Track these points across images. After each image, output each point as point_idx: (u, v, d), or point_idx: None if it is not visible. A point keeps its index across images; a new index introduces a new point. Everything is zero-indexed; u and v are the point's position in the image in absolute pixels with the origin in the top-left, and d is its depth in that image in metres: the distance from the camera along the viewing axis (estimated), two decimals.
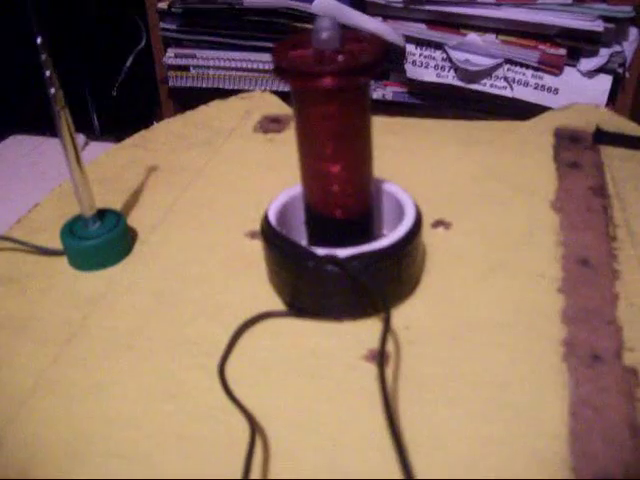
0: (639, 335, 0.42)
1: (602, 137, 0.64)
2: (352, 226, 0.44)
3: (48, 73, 0.45)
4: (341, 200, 0.42)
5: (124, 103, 1.66)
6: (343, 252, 0.41)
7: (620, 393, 0.38)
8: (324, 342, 0.43)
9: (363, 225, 0.44)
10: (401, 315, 0.44)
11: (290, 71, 0.38)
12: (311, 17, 1.22)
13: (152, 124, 1.72)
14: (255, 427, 0.36)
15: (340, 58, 0.38)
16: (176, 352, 0.43)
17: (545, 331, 0.43)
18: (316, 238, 0.45)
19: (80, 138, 0.50)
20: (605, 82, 1.20)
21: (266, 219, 0.45)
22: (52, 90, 0.46)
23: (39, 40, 0.44)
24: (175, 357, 0.43)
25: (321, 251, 0.42)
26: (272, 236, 0.44)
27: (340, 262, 0.41)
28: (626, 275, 0.47)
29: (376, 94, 1.30)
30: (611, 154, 0.61)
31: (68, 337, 0.45)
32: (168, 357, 0.43)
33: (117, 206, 0.56)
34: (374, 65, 0.38)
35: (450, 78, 1.23)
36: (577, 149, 0.62)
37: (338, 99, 0.39)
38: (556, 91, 1.20)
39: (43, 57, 0.44)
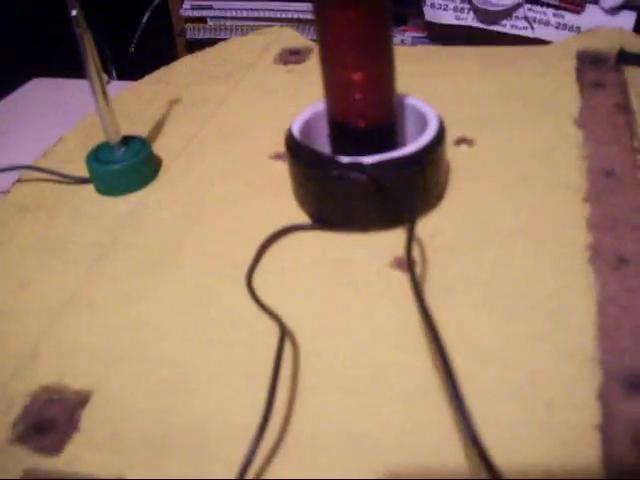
0: None
1: (626, 58, 0.63)
2: (375, 136, 0.44)
3: (75, 13, 0.45)
4: (364, 109, 0.42)
5: (142, 59, 1.66)
6: (367, 159, 0.41)
7: None
8: (350, 252, 0.43)
9: (386, 135, 0.44)
10: (426, 225, 0.44)
11: None
12: None
13: None
14: (284, 328, 0.37)
15: None
16: (203, 266, 0.44)
17: (571, 237, 0.43)
18: (340, 149, 0.45)
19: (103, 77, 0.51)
20: (629, 19, 1.17)
21: (290, 132, 0.45)
22: (73, 12, 0.46)
23: None
24: (203, 270, 0.43)
25: (345, 159, 0.42)
26: (296, 147, 0.44)
27: (365, 168, 0.41)
28: None
29: (395, 40, 1.29)
30: (635, 74, 0.61)
31: (98, 256, 0.46)
32: (196, 270, 0.43)
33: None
34: None
35: (470, 20, 1.22)
36: (600, 70, 0.62)
37: (358, 3, 0.39)
38: (578, 29, 1.18)
39: None
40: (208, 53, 0.73)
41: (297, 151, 0.44)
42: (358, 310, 0.39)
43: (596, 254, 0.41)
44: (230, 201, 0.49)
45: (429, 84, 0.60)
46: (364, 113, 0.42)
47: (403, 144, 0.47)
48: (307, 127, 0.46)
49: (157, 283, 0.43)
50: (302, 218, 0.46)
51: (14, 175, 0.56)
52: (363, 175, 0.41)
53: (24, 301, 0.43)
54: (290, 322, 0.38)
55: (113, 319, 0.41)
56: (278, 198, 0.48)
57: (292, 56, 0.69)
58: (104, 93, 0.49)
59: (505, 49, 0.67)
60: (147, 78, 0.69)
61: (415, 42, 1.30)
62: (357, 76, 0.41)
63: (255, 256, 0.43)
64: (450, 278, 0.40)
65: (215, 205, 0.49)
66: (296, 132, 0.45)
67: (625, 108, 0.56)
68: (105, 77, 0.53)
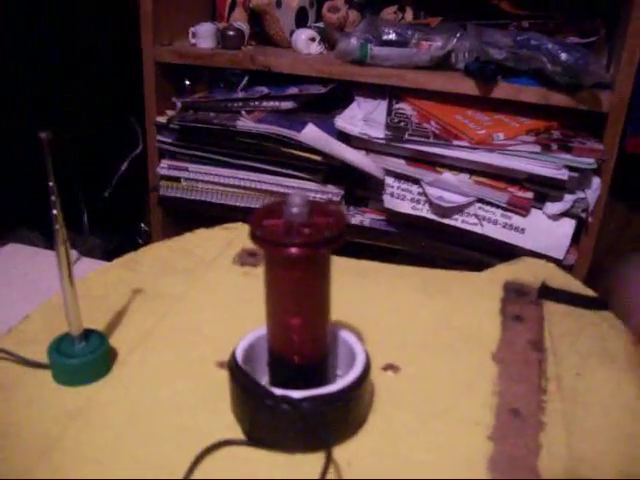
0: None
1: (546, 293, 0.71)
2: (308, 370, 0.50)
3: (55, 212, 0.52)
4: (299, 348, 0.49)
5: (114, 204, 1.74)
6: (297, 394, 0.47)
7: None
8: (276, 471, 0.48)
9: (318, 369, 0.50)
10: (345, 451, 0.49)
11: (263, 239, 0.45)
12: (298, 143, 1.31)
13: (140, 228, 1.78)
14: None
15: (306, 231, 0.45)
16: (140, 470, 0.48)
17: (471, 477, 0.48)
18: (276, 378, 0.51)
19: (73, 253, 0.57)
20: (569, 225, 1.28)
21: (233, 356, 0.51)
22: (56, 226, 0.52)
23: (50, 184, 0.51)
24: (140, 475, 0.48)
25: (278, 391, 0.47)
26: (237, 373, 0.50)
27: (293, 402, 0.46)
28: (550, 427, 0.52)
29: (354, 220, 1.38)
30: (552, 309, 0.68)
31: (46, 448, 0.50)
32: (134, 474, 0.48)
33: (101, 325, 0.62)
34: (336, 239, 0.45)
35: (425, 211, 1.31)
36: (522, 303, 0.69)
37: (303, 265, 0.45)
38: (523, 230, 1.28)
39: (52, 198, 0.51)
40: (175, 243, 0.79)
41: (237, 376, 0.50)
42: None
43: None
44: (173, 407, 0.54)
45: (369, 304, 0.67)
46: (300, 351, 0.49)
47: (334, 372, 0.53)
48: (250, 351, 0.52)
49: None
50: (237, 431, 0.51)
51: None
52: (291, 408, 0.46)
53: None
54: None
55: None
56: (218, 409, 0.53)
57: (250, 258, 0.76)
58: (74, 295, 0.55)
59: (442, 273, 0.75)
60: (115, 262, 0.75)
61: (373, 224, 1.39)
62: (295, 321, 0.47)
63: (189, 468, 0.47)
64: None
65: (159, 409, 0.54)
66: (239, 356, 0.50)
67: (538, 345, 0.62)
68: (75, 253, 0.58)
